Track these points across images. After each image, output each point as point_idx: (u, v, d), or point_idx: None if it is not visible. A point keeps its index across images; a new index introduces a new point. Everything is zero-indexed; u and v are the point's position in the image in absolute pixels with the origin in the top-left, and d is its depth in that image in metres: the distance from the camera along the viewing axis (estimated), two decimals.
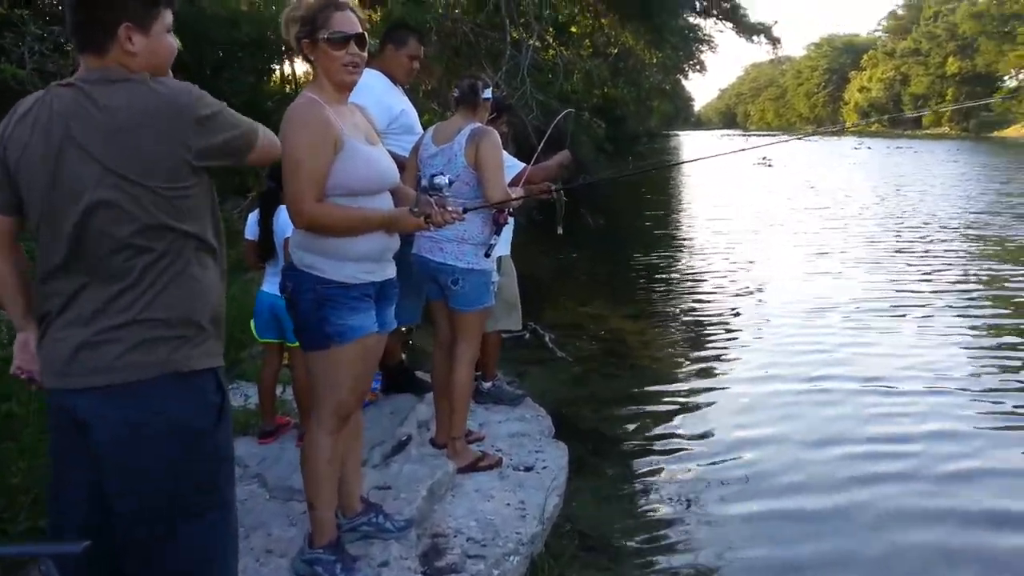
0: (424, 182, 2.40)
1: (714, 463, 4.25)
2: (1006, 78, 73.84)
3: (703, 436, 4.64)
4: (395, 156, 3.65)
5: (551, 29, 15.81)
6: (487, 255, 3.26)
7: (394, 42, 3.82)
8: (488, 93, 3.37)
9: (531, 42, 12.63)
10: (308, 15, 2.31)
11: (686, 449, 4.49)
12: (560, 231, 4.00)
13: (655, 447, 4.52)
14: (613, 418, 5.00)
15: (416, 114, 3.95)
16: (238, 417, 3.62)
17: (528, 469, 3.47)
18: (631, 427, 4.85)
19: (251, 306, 3.52)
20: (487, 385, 4.33)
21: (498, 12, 12.48)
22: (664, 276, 9.79)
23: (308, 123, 2.26)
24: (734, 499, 3.84)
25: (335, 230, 2.32)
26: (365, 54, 2.37)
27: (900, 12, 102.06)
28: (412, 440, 3.52)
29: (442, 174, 2.42)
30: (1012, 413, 5.00)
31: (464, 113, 3.34)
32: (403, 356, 4.33)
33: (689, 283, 9.38)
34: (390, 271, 2.53)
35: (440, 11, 12.92)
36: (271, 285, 3.25)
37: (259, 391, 3.53)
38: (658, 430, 4.77)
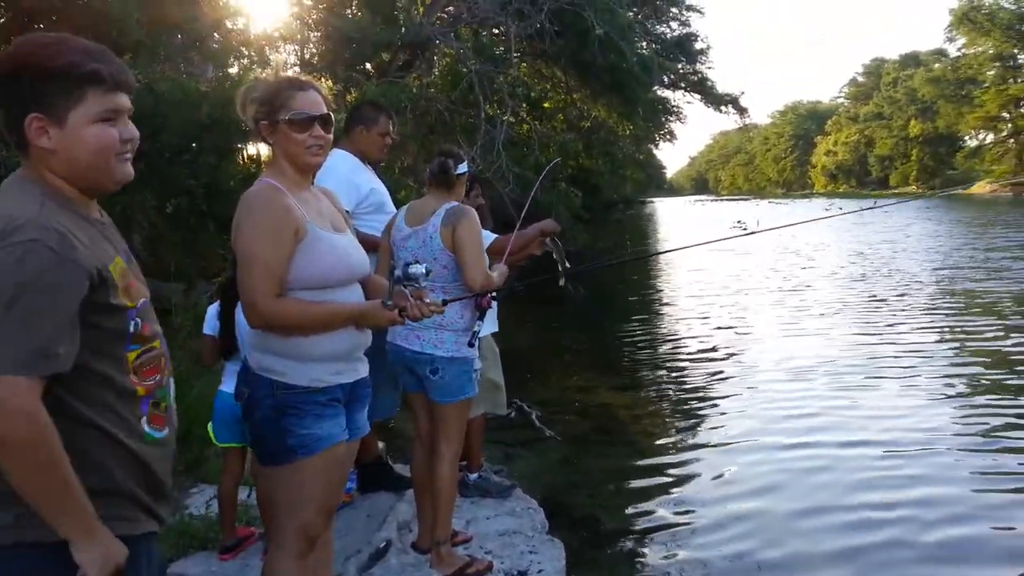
0: (398, 271, 2.18)
1: (715, 545, 3.99)
2: (967, 138, 76.10)
3: (699, 514, 4.38)
4: (366, 237, 3.47)
5: (524, 105, 16.02)
6: (471, 344, 3.03)
7: (364, 123, 3.70)
8: (463, 167, 3.18)
9: (505, 118, 12.72)
10: (266, 96, 2.13)
11: (684, 529, 4.22)
12: (563, 282, 3.77)
13: (652, 532, 4.21)
14: (608, 503, 4.70)
15: (387, 192, 3.79)
16: (197, 529, 3.31)
17: (522, 574, 3.17)
18: (628, 511, 4.56)
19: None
20: (473, 477, 4.04)
21: (472, 90, 12.58)
22: (647, 344, 9.60)
23: (265, 211, 2.06)
24: None
25: (297, 329, 2.09)
26: (331, 136, 2.19)
27: (860, 79, 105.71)
28: (392, 546, 3.21)
29: (418, 262, 2.20)
30: (1001, 473, 4.87)
31: (438, 192, 3.15)
32: (380, 449, 4.04)
33: (673, 350, 9.20)
34: (362, 370, 2.28)
35: (415, 90, 13.04)
36: (231, 384, 2.98)
37: (218, 501, 3.21)
38: (654, 511, 4.48)
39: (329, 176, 3.55)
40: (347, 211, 3.46)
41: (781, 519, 4.27)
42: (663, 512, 4.46)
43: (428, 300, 2.19)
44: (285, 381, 2.09)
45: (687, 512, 4.41)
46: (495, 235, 3.81)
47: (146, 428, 1.48)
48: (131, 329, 1.44)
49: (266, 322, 2.06)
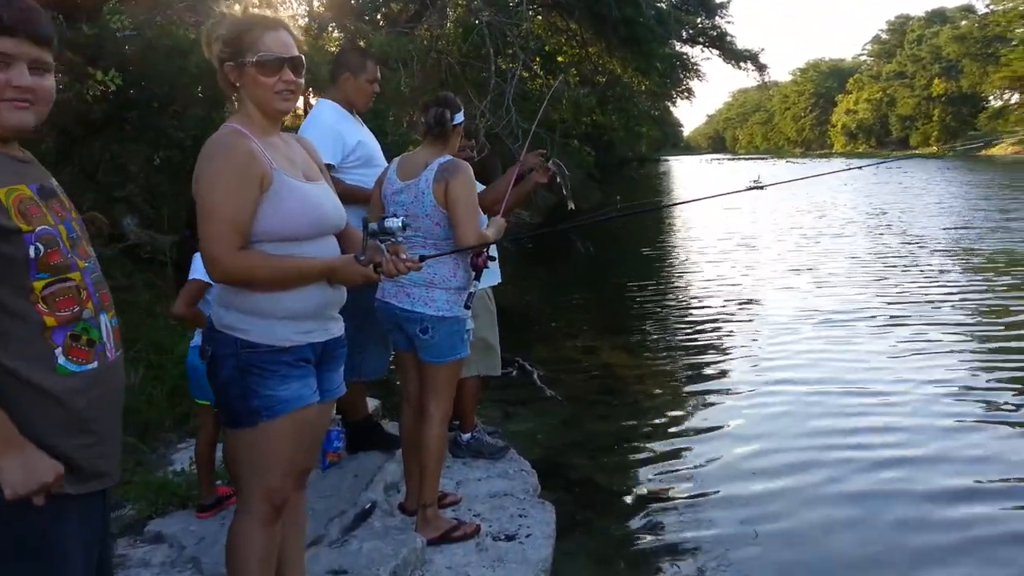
0: (373, 224, 2.03)
1: (710, 511, 3.89)
2: (991, 98, 74.44)
3: (697, 481, 4.27)
4: (356, 189, 3.33)
5: (537, 59, 15.67)
6: (467, 306, 2.90)
7: (351, 69, 3.52)
8: (459, 117, 3.01)
9: (518, 71, 12.40)
10: (232, 34, 1.96)
11: (681, 494, 4.11)
12: (572, 206, 3.67)
13: (647, 498, 4.10)
14: (607, 465, 4.61)
15: (376, 145, 3.62)
16: (178, 486, 3.24)
17: (510, 538, 3.08)
18: (625, 475, 4.47)
19: None
20: (466, 437, 3.94)
21: (484, 42, 12.26)
22: (655, 303, 9.45)
23: (227, 156, 1.90)
24: (736, 554, 3.46)
25: (262, 284, 1.95)
26: (302, 80, 2.03)
27: (884, 36, 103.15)
28: (377, 508, 3.13)
29: (395, 216, 2.04)
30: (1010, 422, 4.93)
31: (432, 144, 2.99)
32: (372, 408, 3.95)
33: (680, 309, 9.08)
34: (334, 328, 2.14)
35: (424, 42, 12.74)
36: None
37: (196, 459, 3.13)
38: (652, 476, 4.39)
39: (314, 126, 3.41)
40: (332, 164, 3.33)
41: (783, 489, 4.15)
42: (660, 477, 4.36)
43: (404, 256, 2.04)
44: (249, 339, 1.96)
45: (685, 478, 4.31)
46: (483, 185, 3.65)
47: (60, 360, 1.44)
48: (31, 255, 1.41)
49: (228, 276, 1.93)
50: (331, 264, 2.02)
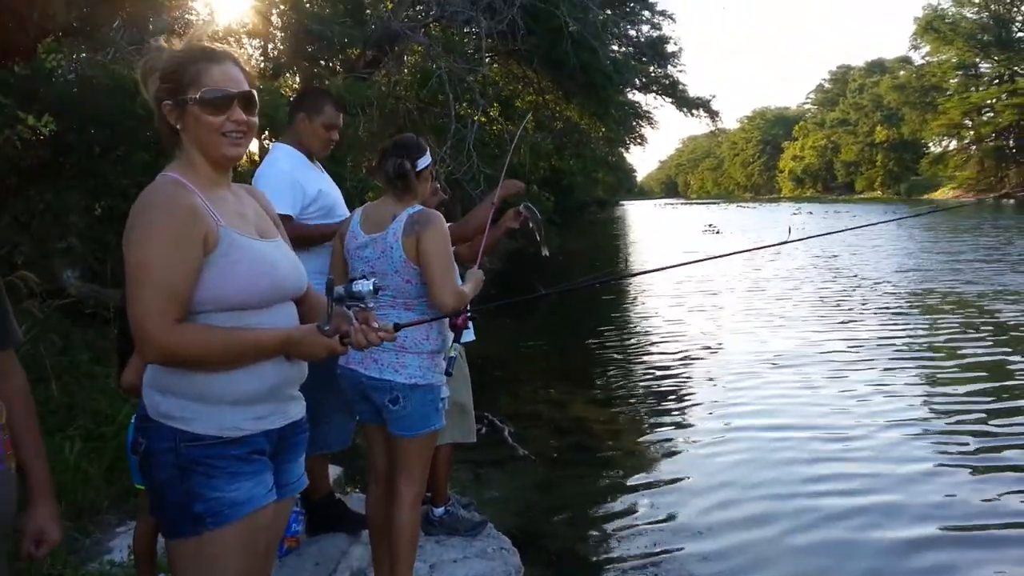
0: (339, 288, 1.74)
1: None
2: (931, 145, 77.31)
3: (682, 542, 4.06)
4: (324, 228, 3.03)
5: (496, 104, 15.65)
6: (448, 373, 2.61)
7: (307, 110, 3.23)
8: (423, 161, 2.71)
9: (476, 117, 12.31)
10: (170, 68, 1.67)
11: (668, 560, 3.88)
12: (546, 253, 3.44)
13: (638, 567, 3.83)
14: (586, 533, 4.32)
15: (339, 193, 3.34)
16: None
17: None
18: (607, 542, 4.18)
19: None
20: (439, 512, 3.61)
21: (442, 88, 12.15)
22: (622, 353, 9.24)
23: (163, 212, 1.60)
24: None
25: (206, 364, 1.64)
26: (255, 119, 1.73)
27: (827, 85, 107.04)
28: None
29: (364, 278, 1.74)
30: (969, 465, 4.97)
31: (397, 195, 2.69)
32: (332, 482, 3.60)
33: (648, 359, 8.85)
34: (293, 411, 1.82)
35: (383, 88, 12.59)
36: None
37: (134, 551, 2.74)
38: (635, 540, 4.13)
39: (268, 173, 3.12)
40: (290, 215, 3.03)
41: (769, 542, 4.05)
42: (645, 540, 4.11)
43: (377, 324, 1.74)
44: (191, 430, 1.64)
45: (670, 539, 4.09)
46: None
47: None
48: None
49: (164, 356, 1.61)
50: (290, 336, 1.70)
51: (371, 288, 1.72)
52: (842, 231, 3.20)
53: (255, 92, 1.73)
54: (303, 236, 3.04)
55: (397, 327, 1.81)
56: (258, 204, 1.87)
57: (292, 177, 3.11)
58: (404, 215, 2.62)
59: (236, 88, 1.68)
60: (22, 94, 4.75)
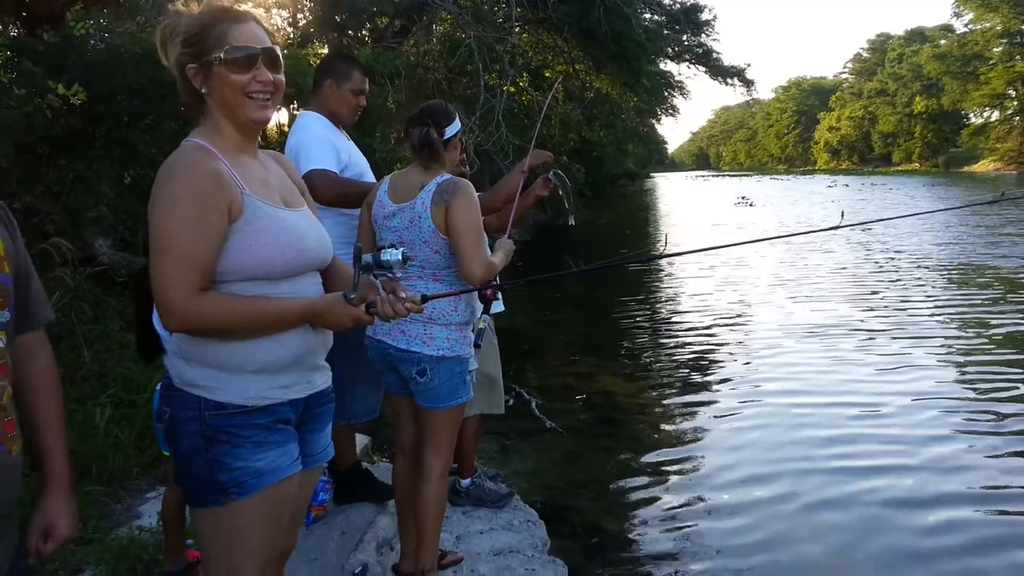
0: (368, 257, 1.69)
1: (726, 553, 3.64)
2: (971, 116, 75.32)
3: (709, 516, 4.03)
4: (363, 187, 2.98)
5: (525, 75, 15.46)
6: (476, 344, 2.56)
7: (334, 76, 3.17)
8: (452, 129, 2.64)
9: (506, 87, 12.17)
10: (193, 31, 1.62)
11: (693, 534, 3.84)
12: (572, 222, 3.41)
13: (660, 541, 3.80)
14: (613, 506, 4.29)
15: (366, 163, 3.29)
16: (145, 546, 2.86)
17: None
18: (633, 514, 4.15)
19: None
20: (465, 483, 3.59)
21: (471, 58, 12.01)
22: (651, 326, 9.18)
23: (187, 179, 1.56)
24: None
25: (230, 333, 1.61)
26: (281, 77, 1.68)
27: (865, 55, 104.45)
28: (368, 572, 2.77)
29: (394, 247, 1.71)
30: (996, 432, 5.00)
31: (424, 164, 2.63)
32: (360, 452, 3.59)
33: (678, 332, 8.76)
34: (319, 380, 1.79)
35: (411, 58, 12.48)
36: None
37: (163, 517, 2.76)
38: (662, 515, 4.09)
39: (303, 135, 3.07)
40: (333, 169, 2.99)
41: (794, 518, 4.00)
42: (671, 515, 4.08)
43: (404, 295, 1.70)
44: (215, 399, 1.62)
45: (695, 514, 4.05)
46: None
47: None
48: None
49: (186, 326, 1.58)
50: (314, 305, 1.67)
51: (400, 258, 1.69)
52: (905, 216, 3.08)
53: (278, 48, 1.68)
54: (345, 193, 3.00)
55: (425, 298, 1.76)
56: (284, 172, 1.83)
57: (327, 138, 3.08)
58: (433, 184, 2.56)
59: (260, 45, 1.64)
60: (51, 62, 4.75)
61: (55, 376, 1.67)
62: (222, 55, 1.61)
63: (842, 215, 2.21)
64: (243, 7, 1.98)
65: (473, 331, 2.63)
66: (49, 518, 1.56)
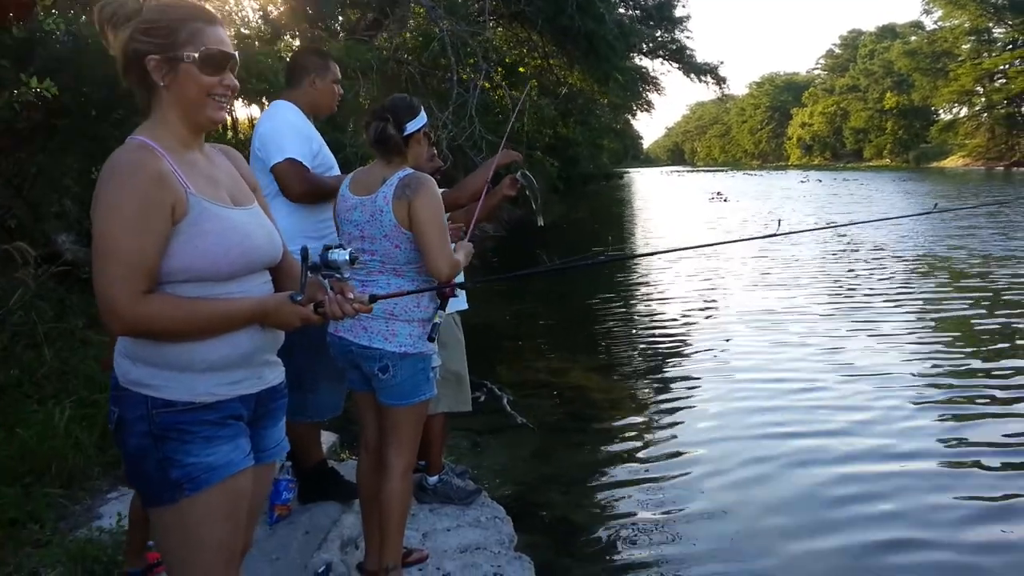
0: (315, 257, 1.68)
1: (692, 550, 3.63)
2: (941, 112, 76.40)
3: (677, 513, 4.02)
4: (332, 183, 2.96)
5: (499, 69, 15.42)
6: (431, 338, 2.55)
7: (316, 71, 3.19)
8: (414, 124, 2.61)
9: (479, 82, 12.12)
10: (162, 23, 1.61)
11: (661, 532, 3.84)
12: (541, 222, 3.35)
13: (628, 538, 3.80)
14: (581, 502, 4.29)
15: (333, 157, 3.27)
16: (103, 548, 2.82)
17: None
18: (602, 512, 4.15)
19: None
20: (432, 480, 3.58)
21: (444, 52, 11.95)
22: (624, 321, 9.20)
23: (129, 180, 1.54)
24: None
25: (176, 334, 1.60)
26: (237, 83, 1.69)
27: (837, 51, 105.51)
28: (332, 571, 2.74)
29: (341, 247, 1.70)
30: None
31: (386, 158, 2.61)
32: (325, 450, 3.56)
33: (651, 327, 8.80)
34: (270, 376, 1.78)
35: (384, 52, 12.39)
36: None
37: (129, 515, 2.70)
38: (631, 511, 4.09)
39: (276, 123, 3.05)
40: (303, 162, 2.96)
41: (766, 512, 4.01)
42: (640, 510, 4.10)
43: (352, 295, 1.70)
44: (163, 397, 1.60)
45: (666, 512, 4.05)
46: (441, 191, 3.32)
47: None
48: None
49: (130, 328, 1.57)
50: (262, 306, 1.66)
51: (347, 258, 1.68)
52: (842, 226, 3.08)
53: (237, 55, 1.69)
54: (317, 187, 3.00)
55: (373, 298, 1.77)
56: (234, 167, 1.81)
57: (300, 128, 3.08)
58: (395, 178, 2.53)
59: (230, 50, 1.66)
60: (19, 56, 4.65)
61: None
62: (196, 55, 1.60)
63: (779, 223, 2.23)
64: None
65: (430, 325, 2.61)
66: None
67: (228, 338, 1.64)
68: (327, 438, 4.05)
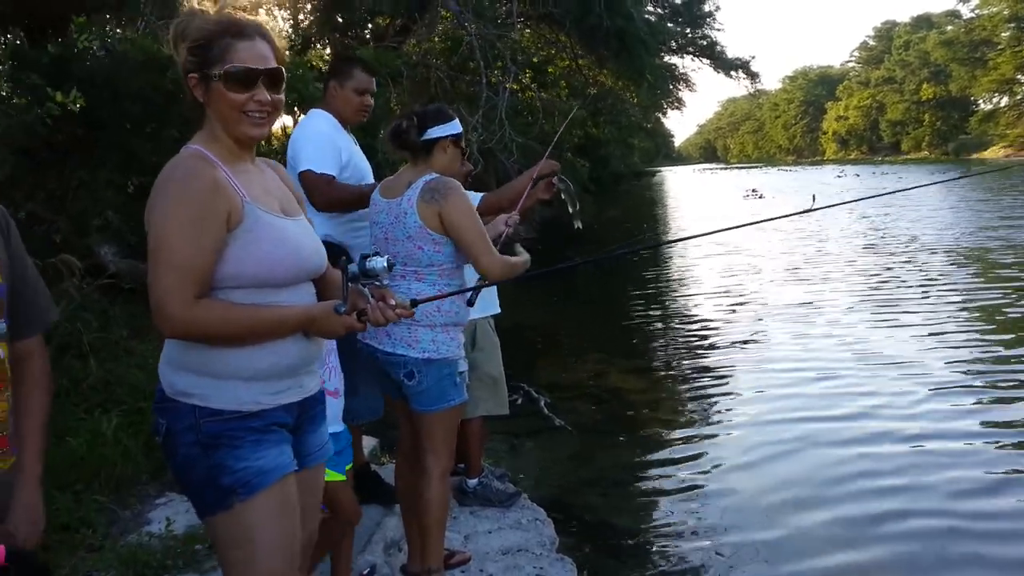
0: (353, 266, 1.70)
1: (734, 550, 3.59)
2: (980, 102, 74.75)
3: (718, 515, 3.98)
4: (359, 192, 2.98)
5: (528, 71, 15.43)
6: (470, 303, 2.57)
7: (336, 77, 3.17)
8: (440, 131, 2.58)
9: (508, 85, 12.13)
10: (199, 40, 1.62)
11: (703, 534, 3.79)
12: (579, 225, 3.30)
13: (669, 539, 3.77)
14: (622, 505, 4.27)
15: (368, 166, 3.28)
16: (152, 554, 2.87)
17: None
18: (642, 513, 4.15)
19: None
20: (472, 483, 3.58)
21: (472, 55, 11.99)
22: (662, 322, 9.15)
23: (186, 187, 1.56)
24: None
25: (226, 339, 1.62)
26: (281, 96, 1.68)
27: (871, 43, 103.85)
28: (376, 573, 2.76)
29: (379, 254, 1.72)
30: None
31: (414, 162, 2.61)
32: (367, 453, 3.59)
33: (689, 328, 8.75)
34: (310, 384, 1.80)
35: (413, 57, 12.47)
36: None
37: None
38: (671, 513, 4.06)
39: (307, 134, 3.07)
40: (333, 175, 2.99)
41: (808, 520, 3.90)
42: (681, 512, 4.06)
43: (393, 301, 1.71)
44: (210, 406, 1.62)
45: (705, 514, 4.00)
46: (481, 194, 3.32)
47: None
48: None
49: (183, 333, 1.59)
50: (309, 313, 1.68)
51: (384, 265, 1.70)
52: (885, 194, 3.03)
53: (283, 69, 1.67)
54: (343, 199, 3.02)
55: (415, 303, 1.78)
56: (278, 177, 1.83)
57: (330, 137, 3.08)
58: (420, 182, 2.54)
59: (262, 65, 1.63)
60: (55, 72, 4.78)
61: (46, 375, 1.71)
62: (221, 72, 1.60)
63: (813, 199, 2.20)
64: (246, 9, 1.98)
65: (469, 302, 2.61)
66: (11, 526, 1.57)
67: (276, 347, 1.66)
68: (367, 442, 4.08)
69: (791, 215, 2.53)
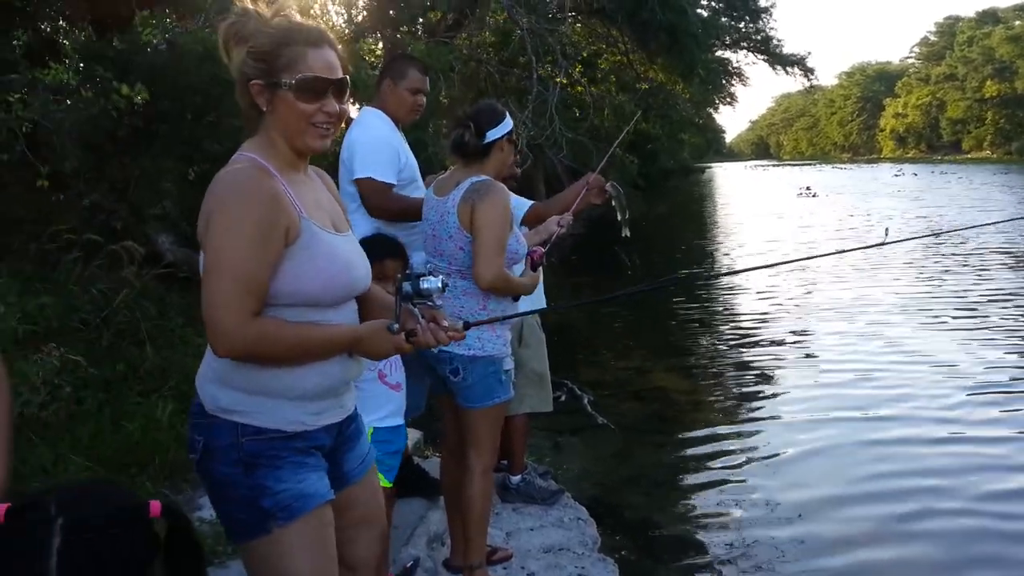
0: (407, 285, 1.67)
1: (780, 552, 3.55)
2: None
3: (763, 516, 3.93)
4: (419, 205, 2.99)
5: (578, 66, 15.36)
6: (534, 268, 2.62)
7: (391, 75, 3.18)
8: (495, 133, 2.59)
9: (558, 79, 12.09)
10: (266, 47, 1.57)
11: (748, 535, 3.74)
12: (627, 233, 3.31)
13: (712, 541, 3.74)
14: (664, 504, 4.25)
15: (416, 165, 3.29)
16: (203, 538, 2.93)
17: None
18: (685, 514, 4.12)
19: None
20: (515, 480, 3.61)
21: (523, 50, 11.98)
22: (707, 320, 9.05)
23: (246, 200, 1.51)
24: None
25: (276, 358, 1.58)
26: (346, 107, 1.64)
27: (932, 38, 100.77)
28: (419, 567, 2.80)
29: (432, 274, 1.70)
30: None
31: (464, 163, 2.63)
32: (410, 447, 3.63)
33: (734, 326, 8.64)
34: (349, 403, 1.77)
35: (464, 51, 12.50)
36: None
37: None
38: (714, 514, 4.03)
39: (366, 138, 3.06)
40: (392, 184, 3.00)
41: (853, 524, 3.84)
42: (723, 513, 4.02)
43: (445, 323, 1.67)
44: (253, 424, 1.57)
45: (748, 515, 3.96)
46: (530, 202, 3.32)
47: None
48: None
49: (238, 351, 1.53)
50: (356, 333, 1.65)
51: (439, 285, 1.67)
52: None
53: (348, 79, 1.64)
54: (398, 210, 3.01)
55: (467, 325, 1.74)
56: (327, 190, 1.79)
57: (390, 141, 3.07)
58: (467, 182, 2.55)
59: (332, 75, 1.59)
60: (120, 66, 4.93)
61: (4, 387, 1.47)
62: (293, 81, 1.55)
63: (886, 232, 2.14)
64: (301, 4, 1.94)
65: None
66: None
67: (321, 367, 1.63)
68: (411, 435, 4.13)
69: (865, 248, 2.48)
